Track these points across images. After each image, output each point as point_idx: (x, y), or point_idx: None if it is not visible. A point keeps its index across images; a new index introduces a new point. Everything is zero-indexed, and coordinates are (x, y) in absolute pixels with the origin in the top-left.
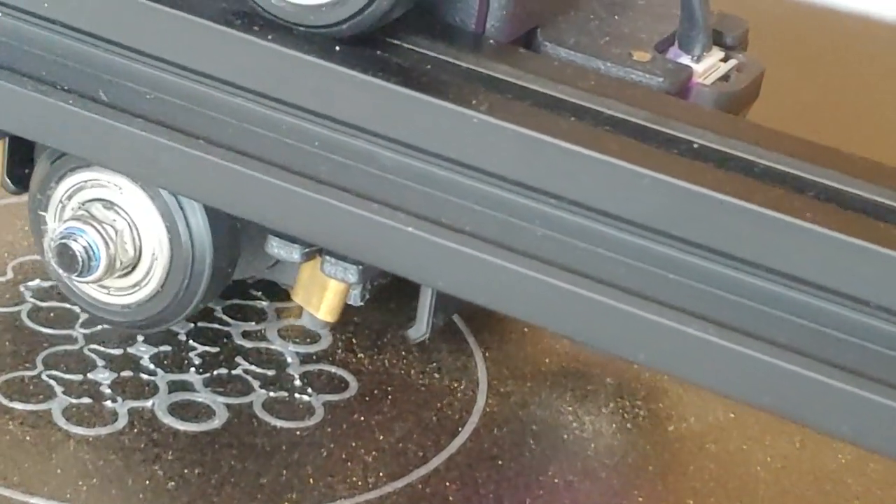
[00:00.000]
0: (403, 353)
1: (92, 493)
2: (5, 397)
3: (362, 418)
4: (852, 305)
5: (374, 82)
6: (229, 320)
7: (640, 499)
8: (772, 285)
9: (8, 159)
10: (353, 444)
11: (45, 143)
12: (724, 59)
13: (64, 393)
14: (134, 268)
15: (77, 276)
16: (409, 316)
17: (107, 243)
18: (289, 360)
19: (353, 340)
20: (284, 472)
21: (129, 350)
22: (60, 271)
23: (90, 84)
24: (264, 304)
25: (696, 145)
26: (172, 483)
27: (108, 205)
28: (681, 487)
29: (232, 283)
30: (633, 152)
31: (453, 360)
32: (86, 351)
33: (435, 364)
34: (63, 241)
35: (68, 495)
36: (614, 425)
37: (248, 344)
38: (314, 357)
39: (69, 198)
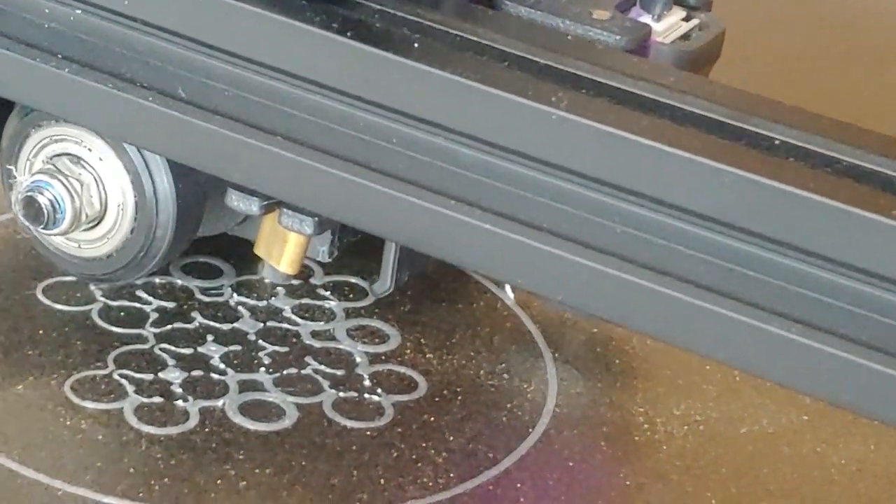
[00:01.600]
0: (472, 353)
1: (164, 492)
2: (77, 396)
3: (432, 419)
4: None
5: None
6: (298, 320)
7: (713, 501)
8: (857, 284)
9: None
10: (424, 445)
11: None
12: (686, 19)
13: (135, 392)
14: (100, 222)
15: (43, 228)
16: (477, 316)
17: (72, 196)
18: (358, 360)
19: (422, 341)
20: (355, 472)
21: (200, 349)
22: (27, 223)
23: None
24: (333, 303)
25: (777, 141)
26: (244, 483)
27: (75, 159)
28: (754, 490)
29: (301, 283)
30: (712, 148)
31: (522, 361)
32: (156, 350)
33: (504, 365)
34: (29, 193)
35: (141, 494)
36: (686, 427)
37: (317, 344)
38: (383, 357)
39: (37, 152)
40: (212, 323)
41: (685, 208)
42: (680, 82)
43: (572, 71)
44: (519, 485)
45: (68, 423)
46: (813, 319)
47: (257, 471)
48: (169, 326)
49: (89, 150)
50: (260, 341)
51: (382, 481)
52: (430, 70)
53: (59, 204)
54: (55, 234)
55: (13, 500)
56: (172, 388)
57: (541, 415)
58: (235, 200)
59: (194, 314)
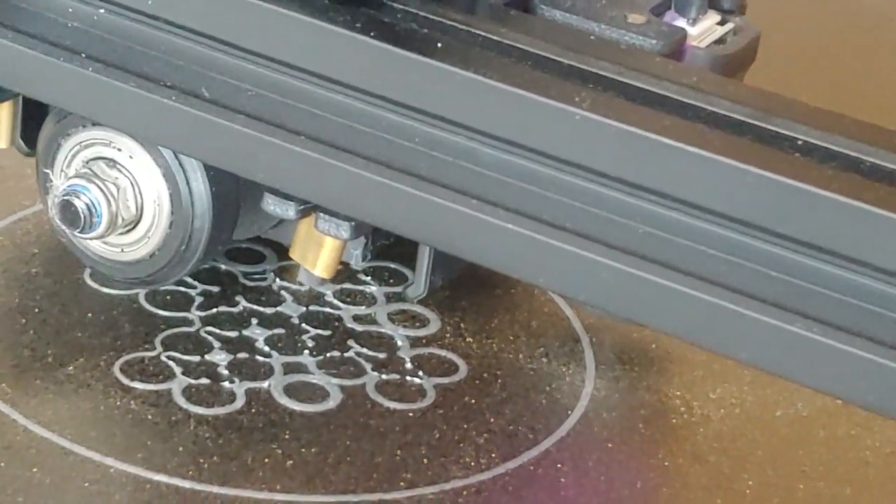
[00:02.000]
0: (511, 337)
1: (213, 470)
2: (126, 377)
3: (473, 401)
4: None
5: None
6: (340, 304)
7: (750, 482)
8: (880, 284)
9: (22, 122)
10: (465, 426)
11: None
12: (721, 23)
13: (183, 373)
14: (136, 225)
15: (79, 232)
16: (515, 301)
17: (109, 201)
18: (399, 343)
19: (462, 325)
20: (399, 452)
21: (244, 332)
22: (63, 227)
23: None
24: (373, 288)
25: (800, 142)
26: (290, 461)
27: (111, 163)
28: (790, 472)
29: (342, 269)
30: (734, 148)
31: (560, 345)
32: (202, 333)
33: (542, 349)
34: (66, 197)
35: (190, 472)
36: (722, 410)
37: (358, 327)
38: (424, 341)
39: (74, 156)
40: (255, 307)
41: (707, 208)
42: (703, 82)
43: (596, 71)
44: (559, 465)
45: (118, 403)
46: (836, 320)
47: (303, 450)
48: (214, 310)
49: (124, 152)
50: (303, 325)
51: (426, 461)
52: (455, 70)
53: (95, 208)
54: (91, 238)
55: (66, 477)
56: (219, 369)
57: (579, 398)
58: (272, 204)
59: (238, 298)
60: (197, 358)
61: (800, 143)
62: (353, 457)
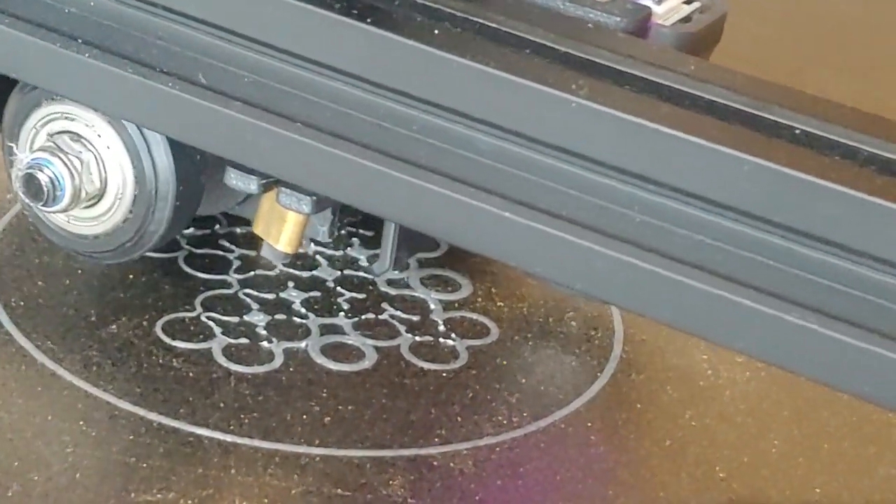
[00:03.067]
0: (541, 302)
1: (253, 425)
2: (168, 336)
3: (504, 362)
4: None
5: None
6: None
7: (776, 442)
8: (877, 274)
9: None
10: (497, 386)
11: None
12: (687, 1)
13: (222, 333)
14: (99, 199)
15: (42, 205)
16: None
17: (72, 174)
18: (432, 306)
19: (492, 290)
20: (433, 410)
21: (282, 295)
22: (27, 200)
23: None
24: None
25: (797, 131)
26: (328, 418)
27: (75, 137)
28: (815, 431)
29: (375, 235)
30: (731, 137)
31: (589, 310)
32: (240, 295)
33: (572, 313)
34: (30, 171)
35: (231, 427)
36: (748, 373)
37: (392, 291)
38: (456, 304)
39: (38, 129)
40: (292, 270)
41: (704, 197)
42: (700, 71)
43: (591, 59)
44: (589, 424)
45: (161, 361)
46: (832, 309)
47: (340, 407)
48: (251, 273)
49: (90, 127)
50: (338, 288)
51: (459, 419)
52: (444, 55)
53: (58, 181)
54: (55, 212)
55: (112, 431)
56: (257, 330)
57: (608, 360)
58: (234, 179)
59: None
60: (236, 319)
61: (797, 132)
62: (388, 414)
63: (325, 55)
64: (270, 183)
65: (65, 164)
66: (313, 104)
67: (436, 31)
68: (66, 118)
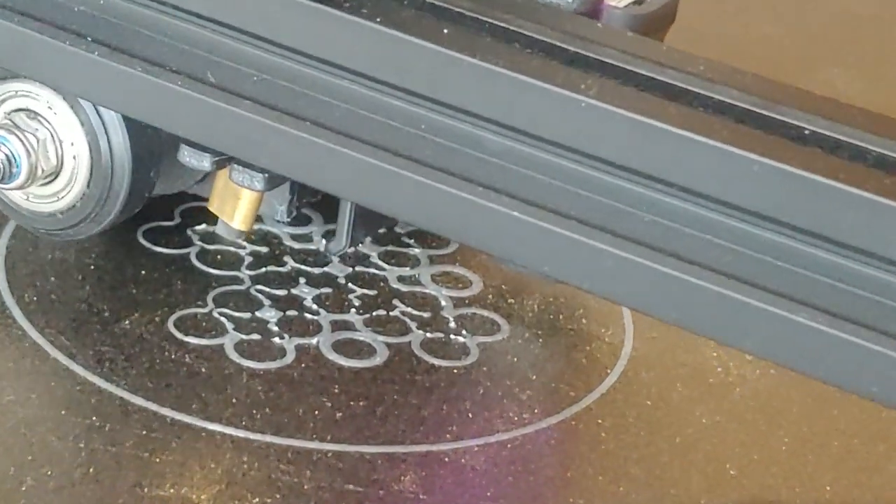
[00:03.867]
0: (551, 299)
1: (265, 421)
2: (180, 332)
3: (515, 359)
4: None
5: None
6: (384, 265)
7: (786, 439)
8: (886, 275)
9: None
10: (508, 383)
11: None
12: None
13: (234, 329)
14: (56, 177)
15: None
16: None
17: (28, 152)
18: (443, 303)
19: (503, 287)
20: (444, 406)
21: (293, 291)
22: None
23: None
24: (417, 251)
25: (807, 131)
26: (340, 414)
27: (32, 115)
28: (825, 429)
29: (386, 232)
30: (740, 138)
31: (600, 307)
32: (252, 291)
33: (582, 310)
34: None
35: (244, 423)
36: (758, 371)
37: (403, 288)
38: (466, 301)
39: None
40: (303, 267)
41: (713, 197)
42: (710, 71)
43: (600, 58)
44: (600, 421)
45: (173, 356)
46: (840, 310)
47: (352, 403)
48: (263, 269)
49: (45, 105)
50: (349, 284)
51: (471, 415)
52: (452, 54)
53: (15, 159)
54: (11, 189)
55: (125, 425)
56: (269, 326)
57: (619, 357)
58: (188, 156)
59: (286, 258)
60: (248, 315)
61: (807, 132)
62: (400, 410)
63: (335, 54)
64: (224, 160)
65: (21, 141)
66: (322, 103)
67: (445, 30)
68: (22, 96)
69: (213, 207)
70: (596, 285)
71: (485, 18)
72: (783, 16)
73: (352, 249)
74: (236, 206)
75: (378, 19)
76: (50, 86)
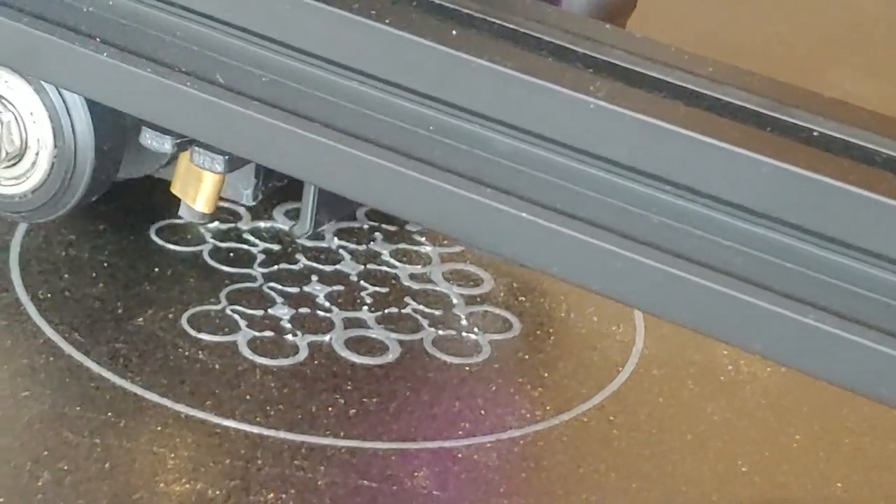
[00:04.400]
0: (561, 297)
1: (279, 417)
2: (194, 329)
3: (527, 356)
4: None
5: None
6: (396, 263)
7: (797, 437)
8: (893, 276)
9: None
10: (520, 380)
11: None
12: None
13: (247, 326)
14: (20, 159)
15: None
16: None
17: None
18: (454, 301)
19: (514, 285)
20: (457, 403)
21: (305, 289)
22: None
23: None
24: (428, 248)
25: (815, 133)
26: (353, 410)
27: None
28: (835, 427)
29: (398, 230)
30: (749, 139)
31: (611, 305)
32: (265, 289)
33: (593, 308)
34: None
35: (258, 419)
36: (769, 368)
37: (415, 285)
38: (478, 299)
39: None
40: (315, 264)
41: (721, 198)
42: (719, 72)
43: (609, 59)
44: (612, 418)
45: (186, 353)
46: (849, 312)
47: (365, 400)
48: (275, 267)
49: (9, 87)
50: (361, 282)
51: (483, 412)
52: (461, 55)
53: None
54: None
55: (139, 421)
56: (282, 323)
57: (630, 354)
58: (149, 139)
59: (298, 256)
60: (260, 312)
61: (815, 134)
62: (413, 407)
63: (343, 55)
64: (185, 143)
65: None
66: (331, 104)
67: (454, 32)
68: None
69: (175, 190)
70: (605, 286)
71: (493, 19)
72: (793, 15)
73: (316, 231)
74: (199, 188)
75: (387, 20)
76: (63, 87)
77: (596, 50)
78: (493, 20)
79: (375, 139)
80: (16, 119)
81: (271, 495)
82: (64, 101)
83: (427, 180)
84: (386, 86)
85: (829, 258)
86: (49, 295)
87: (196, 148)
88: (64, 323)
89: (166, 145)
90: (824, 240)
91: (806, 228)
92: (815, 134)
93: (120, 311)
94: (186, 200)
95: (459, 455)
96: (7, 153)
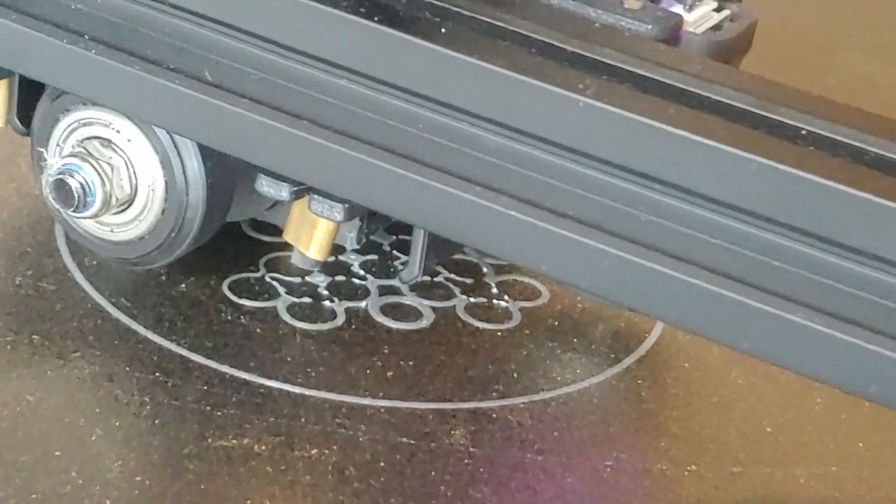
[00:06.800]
0: None
1: (320, 378)
2: (235, 295)
3: (556, 323)
4: None
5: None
6: None
7: (819, 400)
8: (883, 275)
9: (18, 101)
10: (550, 345)
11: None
12: (718, 10)
13: (286, 293)
14: (130, 205)
15: (73, 211)
16: None
17: (103, 180)
18: (484, 270)
19: None
20: (490, 366)
21: (341, 258)
22: (57, 206)
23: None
24: None
25: (804, 131)
26: (391, 373)
27: (105, 142)
28: None
29: None
30: (737, 137)
31: None
32: None
33: None
34: (60, 176)
35: (300, 380)
36: None
37: None
38: (507, 268)
39: (68, 135)
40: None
41: (710, 197)
42: (706, 71)
43: (599, 58)
44: (640, 381)
45: (229, 317)
46: (838, 310)
47: (401, 363)
48: None
49: (119, 133)
50: (394, 251)
51: (515, 375)
52: (458, 55)
53: (89, 187)
54: (85, 218)
55: (186, 381)
56: (319, 290)
57: (656, 322)
58: (266, 186)
59: None
60: (298, 279)
61: (804, 132)
62: (447, 370)
63: (332, 53)
64: (302, 190)
65: (95, 169)
66: (320, 102)
67: (443, 30)
68: (95, 124)
69: (288, 237)
70: (592, 285)
71: (483, 18)
72: None
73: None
74: (312, 235)
75: (376, 18)
76: (52, 84)
77: (584, 48)
78: (483, 18)
79: (364, 136)
80: (126, 164)
81: (315, 450)
82: (175, 146)
83: (415, 178)
84: (375, 83)
85: (816, 256)
86: (95, 262)
87: (315, 196)
88: (110, 288)
89: (284, 193)
90: (812, 238)
91: (794, 226)
92: (803, 132)
93: (163, 277)
94: (299, 247)
95: (494, 415)
96: (117, 199)
